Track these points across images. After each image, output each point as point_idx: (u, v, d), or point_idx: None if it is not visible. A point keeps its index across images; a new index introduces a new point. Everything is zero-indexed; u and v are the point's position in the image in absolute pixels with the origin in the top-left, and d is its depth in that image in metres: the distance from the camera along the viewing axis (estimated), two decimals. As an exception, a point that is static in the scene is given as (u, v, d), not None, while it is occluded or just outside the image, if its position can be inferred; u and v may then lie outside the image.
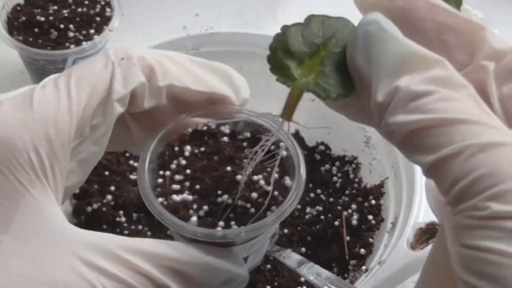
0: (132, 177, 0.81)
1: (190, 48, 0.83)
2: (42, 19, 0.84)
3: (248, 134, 0.43)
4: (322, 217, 0.79)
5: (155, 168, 0.41)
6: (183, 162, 0.41)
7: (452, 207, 0.30)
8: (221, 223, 0.38)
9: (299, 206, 0.82)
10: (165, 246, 0.37)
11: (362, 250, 0.74)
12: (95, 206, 0.77)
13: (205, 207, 0.39)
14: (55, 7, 0.86)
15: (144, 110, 0.43)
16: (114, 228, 0.77)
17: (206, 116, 0.43)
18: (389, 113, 0.31)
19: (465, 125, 0.30)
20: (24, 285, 0.34)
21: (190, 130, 0.43)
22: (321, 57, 0.34)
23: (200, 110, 0.43)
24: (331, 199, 0.82)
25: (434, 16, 0.36)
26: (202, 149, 0.42)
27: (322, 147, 0.88)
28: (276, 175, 0.40)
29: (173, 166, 0.41)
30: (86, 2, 0.87)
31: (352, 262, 0.74)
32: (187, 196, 0.39)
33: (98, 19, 0.86)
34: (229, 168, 0.40)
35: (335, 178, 0.84)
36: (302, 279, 0.73)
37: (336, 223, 0.77)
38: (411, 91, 0.31)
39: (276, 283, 0.73)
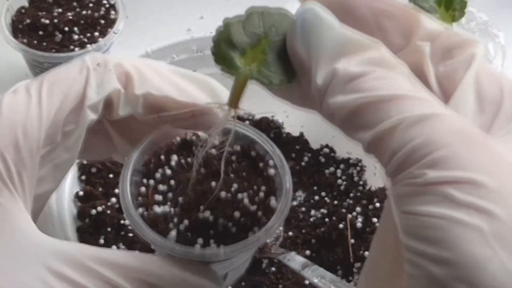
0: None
1: (195, 50, 0.83)
2: (47, 21, 0.84)
3: (238, 148, 0.42)
4: (327, 219, 0.79)
5: (139, 177, 0.40)
6: (168, 172, 0.40)
7: (392, 178, 0.31)
8: (200, 240, 0.38)
9: (303, 209, 0.82)
10: (139, 259, 0.37)
11: (367, 253, 0.74)
12: (99, 209, 0.77)
13: (186, 222, 0.38)
14: (60, 10, 0.86)
15: (124, 118, 0.42)
16: (118, 231, 0.77)
17: (192, 128, 0.42)
18: (328, 95, 0.33)
19: (400, 100, 0.31)
20: None
21: (178, 139, 0.42)
22: (263, 46, 0.35)
23: (182, 122, 0.42)
24: (335, 202, 0.82)
25: (371, 3, 0.37)
26: (189, 159, 0.41)
27: (326, 150, 0.88)
28: (262, 194, 0.39)
29: (157, 175, 0.40)
30: (91, 5, 0.87)
31: (357, 264, 0.74)
32: (169, 209, 0.39)
33: (102, 21, 0.86)
34: (213, 184, 0.39)
35: (339, 181, 0.84)
36: (307, 282, 0.73)
37: (341, 225, 0.77)
38: (348, 73, 0.32)
39: (280, 286, 0.73)
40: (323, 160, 0.87)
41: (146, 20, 1.00)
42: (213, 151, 0.41)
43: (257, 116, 0.86)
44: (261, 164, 0.41)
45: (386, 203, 0.36)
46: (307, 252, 0.77)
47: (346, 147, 0.87)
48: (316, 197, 0.83)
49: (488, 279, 0.27)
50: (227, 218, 0.38)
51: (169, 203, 0.39)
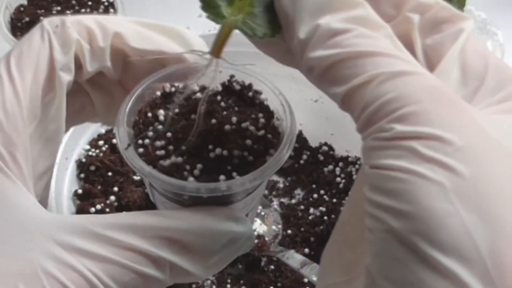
0: (136, 177, 0.81)
1: (193, 48, 0.83)
2: (46, 20, 0.84)
3: (219, 87, 0.41)
4: (326, 217, 0.79)
5: (132, 140, 0.39)
6: (160, 127, 0.39)
7: (362, 133, 0.31)
8: (222, 176, 0.36)
9: (302, 207, 0.82)
10: (151, 215, 0.35)
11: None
12: (98, 206, 0.77)
13: (199, 165, 0.37)
14: (59, 8, 0.86)
15: (99, 78, 0.41)
16: (117, 228, 0.77)
17: (168, 79, 0.41)
18: (309, 49, 0.33)
19: (378, 57, 0.31)
20: None
21: (158, 93, 0.41)
22: None
23: (154, 73, 0.41)
24: (334, 200, 0.82)
25: None
26: (176, 110, 0.40)
27: (325, 148, 0.88)
28: (263, 120, 0.39)
29: (150, 133, 0.39)
30: (90, 3, 0.87)
31: (356, 263, 0.74)
32: (176, 159, 0.37)
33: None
34: (214, 121, 0.38)
35: (338, 179, 0.84)
36: (306, 280, 0.73)
37: (340, 224, 0.77)
38: (331, 28, 0.32)
39: (279, 284, 0.73)
40: (322, 158, 0.87)
41: (145, 18, 1.00)
42: (198, 95, 0.40)
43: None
44: (250, 94, 0.40)
45: (359, 171, 0.36)
46: (306, 250, 0.77)
47: (345, 145, 0.87)
48: (315, 195, 0.83)
49: (446, 234, 0.27)
50: (240, 149, 0.37)
51: (173, 155, 0.37)
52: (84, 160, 0.82)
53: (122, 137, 0.37)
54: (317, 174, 0.85)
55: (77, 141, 0.83)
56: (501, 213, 0.27)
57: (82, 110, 0.44)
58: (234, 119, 0.38)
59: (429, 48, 0.36)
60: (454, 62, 0.34)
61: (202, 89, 0.40)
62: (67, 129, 0.42)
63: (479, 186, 0.27)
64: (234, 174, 0.36)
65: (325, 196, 0.83)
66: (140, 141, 0.38)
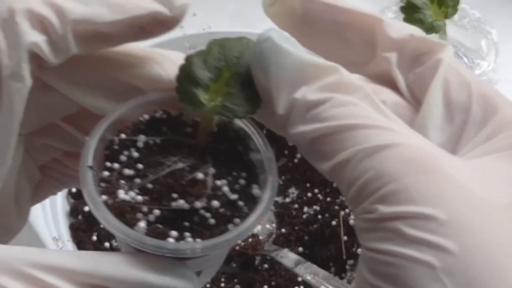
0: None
1: (187, 47, 0.83)
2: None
3: (215, 129, 0.37)
4: (320, 216, 0.79)
5: (101, 160, 0.35)
6: (135, 154, 0.35)
7: (352, 211, 0.31)
8: (174, 233, 0.33)
9: (296, 206, 0.82)
10: (91, 259, 0.32)
11: (359, 250, 0.74)
12: (92, 205, 0.77)
13: (157, 212, 0.33)
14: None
15: (67, 63, 0.36)
16: (111, 227, 0.77)
17: (165, 107, 0.38)
18: (290, 125, 0.32)
19: (356, 130, 0.30)
20: None
21: (146, 116, 0.37)
22: (225, 79, 0.35)
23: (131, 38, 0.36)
24: (328, 199, 0.82)
25: (333, 16, 0.37)
26: (159, 141, 0.36)
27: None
28: (243, 181, 0.35)
29: (123, 158, 0.35)
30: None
31: (350, 262, 0.74)
32: (136, 196, 0.34)
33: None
34: (188, 167, 0.35)
35: (332, 178, 0.84)
36: (300, 279, 0.73)
37: (334, 222, 0.77)
38: (307, 101, 0.31)
39: (273, 283, 0.73)
40: (316, 157, 0.87)
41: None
42: (189, 129, 0.37)
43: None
44: (240, 148, 0.37)
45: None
46: (300, 249, 0.77)
47: (339, 144, 0.87)
48: (309, 194, 0.83)
49: None
50: (205, 208, 0.34)
51: (136, 190, 0.34)
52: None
53: (86, 153, 0.34)
54: (311, 173, 0.85)
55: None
56: (492, 285, 0.27)
57: (55, 106, 0.39)
58: (211, 170, 0.35)
59: (412, 84, 0.35)
60: (438, 96, 0.34)
61: (195, 123, 0.37)
62: (41, 125, 0.38)
63: (467, 260, 0.27)
64: (187, 234, 0.33)
65: (319, 195, 0.83)
66: (108, 164, 0.35)
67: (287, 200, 0.83)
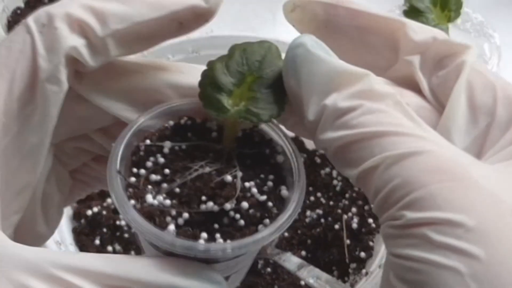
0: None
1: (190, 51, 0.83)
2: (43, 22, 0.84)
3: (239, 133, 0.38)
4: (322, 220, 0.79)
5: (128, 166, 0.35)
6: (161, 160, 0.35)
7: (379, 218, 0.31)
8: (204, 234, 0.33)
9: (299, 209, 0.82)
10: (118, 262, 0.32)
11: (362, 254, 0.74)
12: (95, 209, 0.77)
13: (185, 215, 0.33)
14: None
15: (102, 74, 0.36)
16: (114, 231, 0.77)
17: (190, 114, 0.38)
18: (319, 131, 0.33)
19: (384, 137, 0.30)
20: None
21: (171, 123, 0.37)
22: (248, 83, 0.35)
23: (170, 34, 0.37)
24: (331, 203, 0.82)
25: (355, 22, 0.37)
26: (184, 146, 0.36)
27: (322, 151, 0.88)
28: (271, 183, 0.36)
29: (149, 164, 0.35)
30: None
31: (352, 265, 0.74)
32: (165, 201, 0.34)
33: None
34: (215, 171, 0.35)
35: (335, 182, 0.84)
36: (302, 283, 0.73)
37: (336, 226, 0.77)
38: (337, 108, 0.32)
39: (276, 287, 0.73)
40: (318, 160, 0.87)
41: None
42: (214, 134, 0.37)
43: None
44: (267, 151, 0.37)
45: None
46: (303, 252, 0.77)
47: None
48: (312, 198, 0.83)
49: None
50: (234, 210, 0.34)
51: (164, 194, 0.34)
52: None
53: (113, 158, 0.34)
54: (314, 177, 0.85)
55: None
56: None
57: (89, 119, 0.39)
58: (239, 173, 0.35)
59: (436, 87, 0.35)
60: (461, 100, 0.34)
61: (219, 128, 0.37)
62: (74, 135, 0.39)
63: (495, 267, 0.27)
64: (217, 236, 0.33)
65: (322, 199, 0.83)
66: (134, 170, 0.35)
67: (290, 203, 0.83)
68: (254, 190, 0.35)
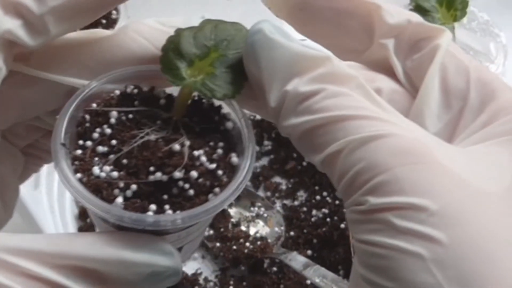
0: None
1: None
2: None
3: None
4: (328, 219, 0.79)
5: (73, 138, 0.34)
6: (108, 130, 0.34)
7: (344, 203, 0.30)
8: (153, 206, 0.32)
9: (305, 209, 0.82)
10: (66, 240, 0.31)
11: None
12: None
13: (134, 187, 0.32)
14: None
15: (48, 51, 0.35)
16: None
17: (137, 81, 0.37)
18: (282, 117, 0.32)
19: (347, 121, 0.30)
20: None
21: (117, 92, 0.36)
22: (212, 59, 0.35)
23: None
24: (337, 202, 0.82)
25: (331, 3, 0.36)
26: (131, 115, 0.35)
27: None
28: (220, 151, 0.34)
29: (95, 135, 0.34)
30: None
31: (358, 264, 0.74)
32: (112, 172, 0.33)
33: (104, 21, 0.86)
34: (162, 139, 0.34)
35: (341, 181, 0.84)
36: (308, 282, 0.73)
37: (342, 225, 0.77)
38: (299, 93, 0.31)
39: (282, 286, 0.73)
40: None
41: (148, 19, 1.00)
42: (162, 101, 0.37)
43: (259, 116, 0.86)
44: (216, 118, 0.36)
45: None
46: (309, 252, 0.77)
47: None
48: (318, 197, 0.83)
49: None
50: (183, 180, 0.33)
51: (111, 166, 0.33)
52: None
53: (57, 131, 0.33)
54: (320, 176, 0.85)
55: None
56: (482, 275, 0.26)
57: (38, 102, 0.38)
58: (187, 142, 0.34)
59: (410, 70, 0.35)
60: (435, 83, 0.33)
61: (167, 96, 0.37)
62: (24, 120, 0.38)
63: (458, 251, 0.26)
64: (167, 207, 0.32)
65: (328, 198, 0.83)
66: (80, 142, 0.34)
67: (296, 203, 0.83)
68: (203, 158, 0.33)
